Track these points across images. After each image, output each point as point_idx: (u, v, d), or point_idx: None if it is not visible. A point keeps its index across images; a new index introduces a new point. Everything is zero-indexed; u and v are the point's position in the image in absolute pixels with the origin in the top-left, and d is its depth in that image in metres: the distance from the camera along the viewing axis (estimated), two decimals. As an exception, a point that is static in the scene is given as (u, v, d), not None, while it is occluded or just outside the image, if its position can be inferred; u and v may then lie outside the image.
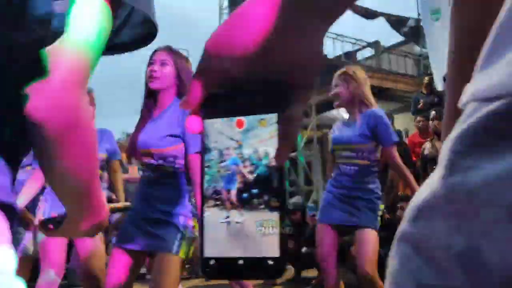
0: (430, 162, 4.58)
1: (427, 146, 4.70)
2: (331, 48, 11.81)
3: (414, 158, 5.09)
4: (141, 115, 2.11)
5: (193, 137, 1.95)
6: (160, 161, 2.02)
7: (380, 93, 11.46)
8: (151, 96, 2.11)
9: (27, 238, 3.81)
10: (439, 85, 7.10)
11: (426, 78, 7.40)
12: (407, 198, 4.22)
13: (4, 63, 0.54)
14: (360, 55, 12.51)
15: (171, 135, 2.00)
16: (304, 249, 4.93)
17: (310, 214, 5.29)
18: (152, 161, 2.03)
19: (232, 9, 13.29)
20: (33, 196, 3.03)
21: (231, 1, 13.22)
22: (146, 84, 2.08)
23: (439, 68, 8.80)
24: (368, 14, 12.00)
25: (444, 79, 5.20)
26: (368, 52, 12.82)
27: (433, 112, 4.90)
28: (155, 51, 2.10)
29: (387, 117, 4.99)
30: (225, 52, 0.34)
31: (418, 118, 6.18)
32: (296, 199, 5.41)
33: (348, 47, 12.30)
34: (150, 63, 2.07)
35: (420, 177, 4.83)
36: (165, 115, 2.06)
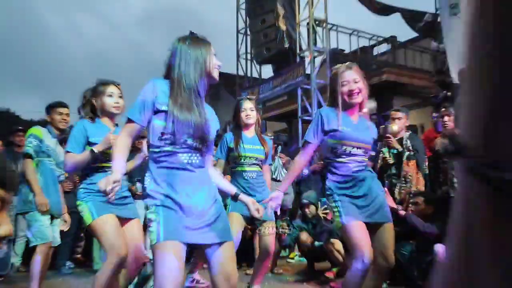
0: (442, 157, 4.58)
1: (439, 141, 4.69)
2: (347, 43, 11.78)
3: (429, 154, 5.09)
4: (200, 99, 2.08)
5: None
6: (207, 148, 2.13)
7: (396, 88, 11.41)
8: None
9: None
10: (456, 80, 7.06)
11: (435, 78, 7.41)
12: (420, 194, 4.24)
13: None
14: (376, 50, 12.43)
15: None
16: (316, 243, 4.98)
17: (323, 207, 5.33)
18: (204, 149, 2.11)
19: (249, 5, 13.32)
20: None
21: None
22: (209, 74, 2.07)
23: (456, 63, 8.74)
24: (384, 9, 11.93)
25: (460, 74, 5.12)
26: (385, 47, 12.74)
27: (443, 108, 4.89)
28: (210, 43, 2.10)
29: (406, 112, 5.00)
30: None
31: (434, 113, 6.17)
32: (309, 193, 5.44)
33: (365, 42, 12.27)
34: (214, 54, 2.08)
35: (433, 172, 4.84)
36: (207, 108, 2.16)
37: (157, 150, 1.99)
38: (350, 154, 2.67)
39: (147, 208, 1.98)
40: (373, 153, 2.93)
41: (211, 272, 2.04)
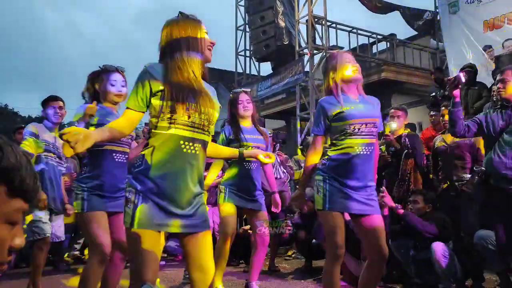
0: (441, 155, 4.58)
1: (438, 140, 4.69)
2: (346, 41, 11.75)
3: (427, 152, 5.09)
4: (195, 74, 2.03)
5: None
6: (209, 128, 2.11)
7: (394, 86, 11.41)
8: None
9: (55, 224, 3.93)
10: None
11: (433, 75, 7.41)
12: (418, 192, 4.24)
13: None
14: (375, 48, 12.41)
15: None
16: (314, 240, 4.97)
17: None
18: (210, 126, 2.08)
19: (248, 2, 13.28)
20: None
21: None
22: (202, 51, 2.03)
23: (455, 61, 8.75)
24: (384, 7, 11.91)
25: (461, 72, 5.05)
26: (384, 45, 12.72)
27: (442, 107, 4.89)
28: (201, 22, 2.06)
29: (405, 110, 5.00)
30: None
31: (431, 112, 6.17)
32: (307, 191, 5.43)
33: (364, 40, 12.23)
34: (206, 33, 2.05)
35: (431, 170, 4.85)
36: (209, 88, 2.14)
37: (159, 131, 1.93)
38: (360, 133, 2.65)
39: (128, 185, 1.94)
40: (381, 130, 2.90)
41: (187, 262, 2.00)
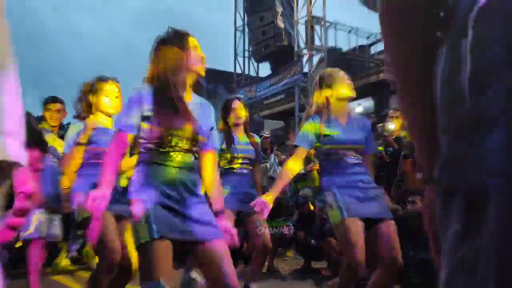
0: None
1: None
2: (345, 41, 11.76)
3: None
4: (181, 100, 1.99)
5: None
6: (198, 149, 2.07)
7: (393, 87, 11.39)
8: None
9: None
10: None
11: None
12: (417, 193, 4.23)
13: None
14: (374, 49, 12.43)
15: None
16: (313, 241, 4.97)
17: (319, 206, 5.32)
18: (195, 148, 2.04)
19: (247, 3, 13.28)
20: None
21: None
22: (190, 68, 2.00)
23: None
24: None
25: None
26: (382, 45, 12.72)
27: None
28: (189, 35, 2.03)
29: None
30: None
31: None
32: (306, 191, 5.44)
33: (363, 41, 12.25)
34: (195, 47, 2.00)
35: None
36: (199, 103, 2.11)
37: (148, 152, 1.95)
38: (344, 157, 2.66)
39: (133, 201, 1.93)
40: (373, 152, 2.92)
41: (206, 273, 1.97)
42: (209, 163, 2.14)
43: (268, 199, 2.57)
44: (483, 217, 0.46)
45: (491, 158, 0.45)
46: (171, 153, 1.94)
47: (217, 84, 15.33)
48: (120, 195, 2.88)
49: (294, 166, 2.72)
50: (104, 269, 2.62)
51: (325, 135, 2.66)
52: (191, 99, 2.07)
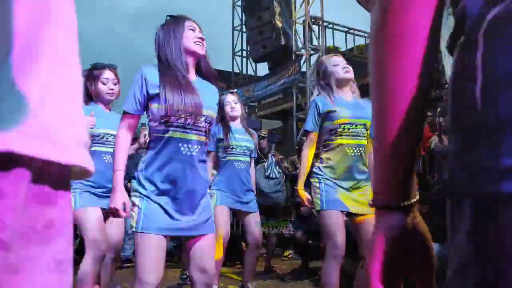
0: (436, 156, 4.60)
1: (434, 141, 4.71)
2: (343, 41, 11.78)
3: (422, 153, 5.11)
4: (184, 75, 2.03)
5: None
6: (210, 126, 2.09)
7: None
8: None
9: None
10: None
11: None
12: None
13: None
14: (372, 49, 12.45)
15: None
16: (310, 241, 4.98)
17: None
18: (207, 125, 2.06)
19: (245, 2, 13.29)
20: None
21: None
22: (187, 49, 2.05)
23: (450, 62, 8.77)
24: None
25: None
26: (381, 45, 12.75)
27: (439, 108, 4.91)
28: (186, 18, 2.10)
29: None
30: None
31: (428, 113, 6.19)
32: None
33: (361, 41, 12.27)
34: (191, 29, 2.07)
35: (427, 171, 4.86)
36: (204, 82, 2.15)
37: (157, 134, 1.98)
38: (350, 134, 2.69)
39: (133, 190, 2.00)
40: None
41: (190, 264, 2.05)
42: None
43: (301, 192, 2.82)
44: (496, 222, 0.47)
45: (504, 163, 0.46)
46: (179, 145, 1.96)
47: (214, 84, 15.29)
48: (104, 192, 2.89)
49: (311, 151, 2.79)
50: (92, 260, 2.69)
51: (330, 112, 2.70)
52: (195, 78, 2.12)
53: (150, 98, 1.98)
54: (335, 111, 2.67)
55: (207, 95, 2.07)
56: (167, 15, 2.13)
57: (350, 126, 2.68)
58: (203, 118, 2.01)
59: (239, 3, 14.05)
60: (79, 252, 6.24)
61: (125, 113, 2.03)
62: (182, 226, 1.97)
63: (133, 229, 1.94)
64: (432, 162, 4.69)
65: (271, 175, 5.78)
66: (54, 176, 0.61)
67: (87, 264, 2.69)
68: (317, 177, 2.72)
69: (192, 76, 2.09)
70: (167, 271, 5.38)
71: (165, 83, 1.96)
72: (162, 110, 1.93)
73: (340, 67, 2.76)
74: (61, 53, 0.59)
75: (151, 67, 2.04)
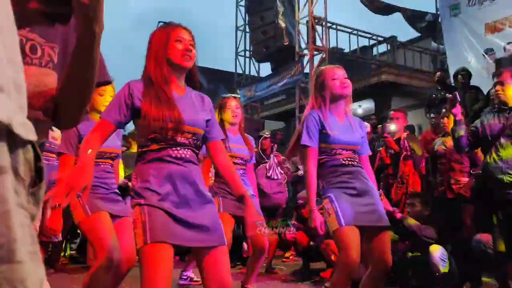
0: (440, 158, 4.56)
1: (437, 143, 4.67)
2: (346, 42, 11.75)
3: (426, 154, 5.07)
4: (165, 92, 1.95)
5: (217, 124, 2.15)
6: (198, 143, 2.02)
7: (395, 89, 11.39)
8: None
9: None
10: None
11: (438, 74, 7.33)
12: (416, 195, 4.21)
13: None
14: (375, 50, 12.40)
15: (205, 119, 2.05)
16: (311, 243, 4.95)
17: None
18: (197, 142, 2.00)
19: (248, 2, 13.28)
20: None
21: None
22: (173, 63, 1.97)
23: (456, 64, 8.73)
24: (385, 8, 11.89)
25: (456, 76, 5.25)
26: (384, 47, 12.71)
27: (443, 110, 4.87)
28: (174, 28, 2.00)
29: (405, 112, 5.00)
30: None
31: (432, 114, 6.15)
32: (304, 193, 5.41)
33: (364, 42, 12.23)
34: (178, 40, 1.97)
35: (430, 173, 4.82)
36: (195, 96, 2.08)
37: (145, 149, 1.93)
38: (342, 154, 2.64)
39: (133, 205, 1.91)
40: (370, 153, 2.89)
41: (204, 278, 1.95)
42: (219, 151, 2.12)
43: (316, 214, 2.64)
44: None
45: None
46: (169, 150, 1.91)
47: (218, 85, 15.31)
48: (117, 195, 2.86)
49: (314, 167, 2.65)
50: (101, 268, 2.58)
51: (324, 133, 2.64)
52: (184, 92, 2.04)
53: (135, 112, 1.92)
54: (329, 135, 2.62)
55: (194, 111, 2.01)
56: (159, 21, 2.06)
57: (342, 150, 2.64)
58: (190, 135, 1.95)
59: (242, 3, 14.03)
60: (79, 248, 6.22)
61: (102, 120, 1.95)
62: (194, 236, 1.87)
63: (139, 245, 1.80)
64: (435, 164, 4.65)
65: (272, 175, 5.75)
66: None
67: (98, 272, 2.56)
68: (327, 197, 2.60)
69: (179, 90, 2.02)
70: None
71: (147, 99, 1.90)
72: (145, 127, 1.89)
73: (338, 81, 2.68)
74: None
75: (137, 82, 1.98)
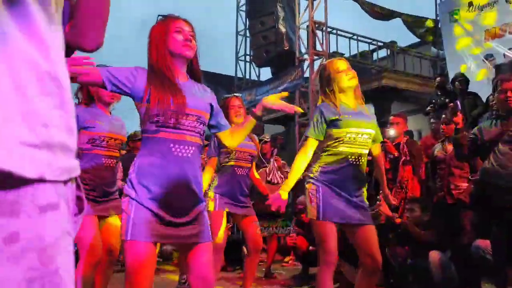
0: (439, 163, 4.56)
1: (437, 148, 4.68)
2: (346, 47, 11.76)
3: (425, 159, 5.07)
4: (169, 77, 1.97)
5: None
6: (204, 127, 2.04)
7: (395, 94, 11.40)
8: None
9: None
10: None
11: (438, 79, 7.35)
12: (415, 200, 4.21)
13: None
14: (375, 55, 12.42)
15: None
16: (311, 248, 4.95)
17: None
18: (201, 126, 2.01)
19: (249, 7, 13.31)
20: None
21: (248, -2, 13.25)
22: (174, 52, 1.99)
23: (456, 70, 8.75)
24: (385, 14, 11.92)
25: (453, 82, 5.27)
26: (384, 52, 12.72)
27: (443, 115, 4.88)
28: (174, 19, 2.03)
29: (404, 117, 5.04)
30: None
31: (432, 120, 6.16)
32: (303, 198, 5.41)
33: (364, 47, 12.24)
34: (178, 31, 1.99)
35: (429, 178, 4.82)
36: (198, 85, 2.10)
37: (147, 135, 1.94)
38: (355, 143, 2.66)
39: (124, 194, 1.94)
40: (382, 140, 2.97)
41: (188, 273, 2.01)
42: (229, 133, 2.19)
43: (282, 193, 2.63)
44: None
45: None
46: (171, 145, 1.90)
47: (218, 88, 15.32)
48: (102, 196, 2.87)
49: (305, 157, 2.72)
50: (87, 265, 2.67)
51: (335, 120, 2.65)
52: (187, 80, 2.07)
53: (134, 91, 1.93)
54: (341, 120, 2.64)
55: (197, 96, 2.03)
56: (158, 15, 2.08)
57: (356, 135, 2.66)
58: (195, 118, 1.96)
59: (243, 8, 14.06)
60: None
61: (101, 72, 1.94)
62: (177, 233, 1.91)
63: (122, 237, 1.87)
64: (435, 169, 4.66)
65: (272, 180, 5.75)
66: (12, 182, 0.57)
67: (83, 269, 2.67)
68: (315, 185, 2.67)
69: (182, 78, 2.04)
70: (166, 274, 5.36)
71: (151, 84, 1.92)
72: (149, 110, 1.89)
73: (344, 73, 2.72)
74: None
75: (143, 68, 2.01)
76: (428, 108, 6.94)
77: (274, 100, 2.12)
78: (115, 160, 2.92)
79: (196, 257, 1.96)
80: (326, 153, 2.70)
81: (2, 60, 0.56)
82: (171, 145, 1.90)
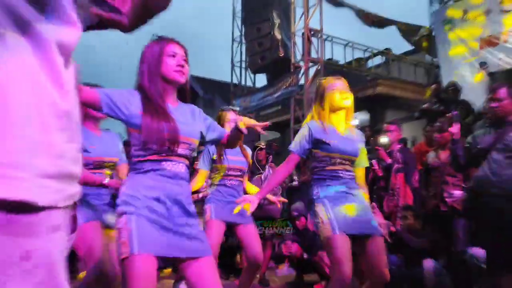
0: (433, 171, 4.58)
1: (431, 155, 4.70)
2: (342, 54, 11.83)
3: (419, 167, 5.09)
4: (162, 106, 1.96)
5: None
6: (193, 153, 2.05)
7: (389, 101, 11.46)
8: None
9: None
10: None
11: (433, 86, 7.39)
12: (408, 208, 4.22)
13: None
14: (370, 62, 12.49)
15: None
16: (305, 255, 4.94)
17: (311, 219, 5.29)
18: (191, 152, 2.02)
19: (245, 14, 13.35)
20: None
21: (244, 5, 13.29)
22: (166, 77, 1.99)
23: (450, 78, 8.80)
24: (380, 22, 12.00)
25: (446, 90, 5.31)
26: (379, 59, 12.79)
27: (437, 123, 4.90)
28: (168, 42, 2.01)
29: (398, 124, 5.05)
30: None
31: (427, 127, 6.19)
32: (297, 205, 5.41)
33: (359, 54, 12.31)
34: (171, 55, 1.99)
35: (423, 186, 4.84)
36: (187, 108, 2.10)
37: (142, 159, 1.93)
38: (339, 164, 2.67)
39: (119, 214, 1.89)
40: (367, 165, 2.93)
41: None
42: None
43: (255, 196, 2.59)
44: None
45: None
46: (165, 163, 1.92)
47: (214, 95, 15.33)
48: (109, 206, 2.84)
49: (285, 170, 2.74)
50: (92, 280, 2.58)
51: (322, 142, 2.66)
52: (177, 104, 2.07)
53: (129, 115, 1.92)
54: (328, 144, 2.65)
55: (188, 123, 2.03)
56: (153, 34, 2.05)
57: (340, 160, 2.67)
58: (185, 146, 1.97)
59: (239, 14, 14.11)
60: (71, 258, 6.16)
61: (92, 87, 1.95)
62: (177, 247, 1.86)
63: (124, 255, 1.77)
64: (428, 177, 4.67)
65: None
66: (30, 208, 0.64)
67: (87, 283, 2.57)
68: (321, 203, 2.64)
69: (172, 101, 2.04)
70: (164, 280, 5.33)
71: (143, 110, 1.92)
72: (140, 136, 1.89)
73: (337, 92, 2.71)
74: None
75: (138, 93, 2.00)
76: (416, 113, 6.98)
77: (247, 123, 2.18)
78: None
79: (200, 273, 1.90)
80: (317, 171, 2.71)
81: (32, 103, 0.66)
82: (162, 162, 1.92)
